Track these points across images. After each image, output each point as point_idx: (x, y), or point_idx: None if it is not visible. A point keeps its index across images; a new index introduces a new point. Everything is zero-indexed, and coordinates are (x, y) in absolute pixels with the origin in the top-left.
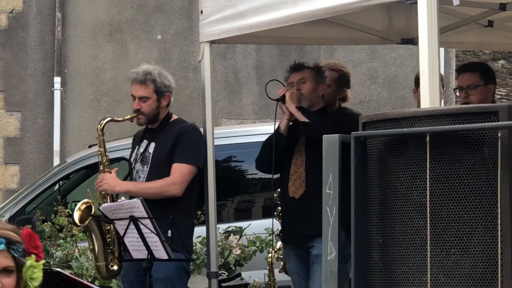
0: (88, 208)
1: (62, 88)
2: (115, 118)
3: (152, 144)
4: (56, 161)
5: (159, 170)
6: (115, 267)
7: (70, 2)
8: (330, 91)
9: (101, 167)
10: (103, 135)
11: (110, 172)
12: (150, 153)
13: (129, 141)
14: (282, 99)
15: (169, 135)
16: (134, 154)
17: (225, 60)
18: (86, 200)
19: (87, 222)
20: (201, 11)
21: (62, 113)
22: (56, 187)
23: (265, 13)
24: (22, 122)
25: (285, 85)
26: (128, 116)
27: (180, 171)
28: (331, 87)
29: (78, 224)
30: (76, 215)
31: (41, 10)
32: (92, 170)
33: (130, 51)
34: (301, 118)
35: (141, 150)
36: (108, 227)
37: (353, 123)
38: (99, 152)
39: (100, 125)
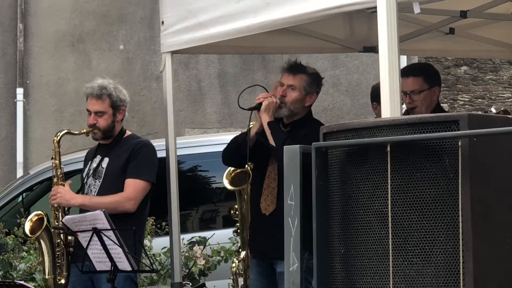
0: (40, 220)
1: (24, 99)
2: (71, 131)
3: (106, 159)
4: (19, 172)
5: (111, 184)
6: (63, 281)
7: (32, 13)
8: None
9: (55, 180)
10: (59, 148)
11: (64, 185)
12: (103, 168)
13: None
14: (257, 107)
15: (123, 150)
16: (86, 169)
17: (188, 70)
18: (38, 212)
19: (38, 233)
20: (162, 22)
21: (25, 124)
22: (20, 199)
23: (226, 23)
24: None
25: (268, 91)
26: (85, 130)
27: (134, 187)
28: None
29: (29, 235)
30: (27, 226)
31: (2, 21)
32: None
33: (93, 61)
34: (269, 137)
35: (94, 165)
36: (58, 240)
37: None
38: (53, 164)
39: (57, 137)
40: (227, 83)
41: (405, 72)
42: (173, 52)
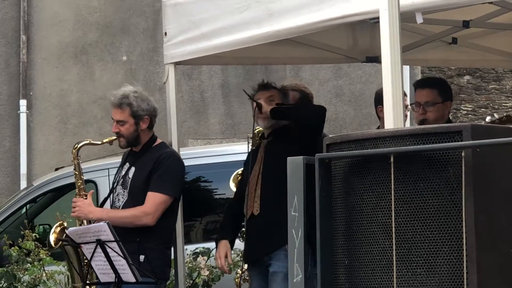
0: (63, 230)
1: (28, 111)
2: (92, 142)
3: (132, 169)
4: (23, 184)
5: (136, 196)
6: None
7: (35, 25)
8: None
9: (77, 191)
10: (79, 158)
11: (86, 196)
12: (129, 178)
13: (97, 162)
14: (258, 105)
15: (148, 161)
16: (116, 176)
17: (191, 80)
18: (60, 222)
19: (59, 244)
20: (165, 33)
21: (28, 136)
22: (23, 210)
23: (229, 34)
24: None
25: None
26: (107, 139)
27: (154, 201)
28: None
29: (54, 246)
30: (52, 238)
31: (5, 33)
32: (59, 193)
33: (96, 72)
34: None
35: (123, 173)
36: None
37: None
38: (74, 175)
39: (75, 148)
40: (230, 93)
41: (421, 84)
42: (176, 63)
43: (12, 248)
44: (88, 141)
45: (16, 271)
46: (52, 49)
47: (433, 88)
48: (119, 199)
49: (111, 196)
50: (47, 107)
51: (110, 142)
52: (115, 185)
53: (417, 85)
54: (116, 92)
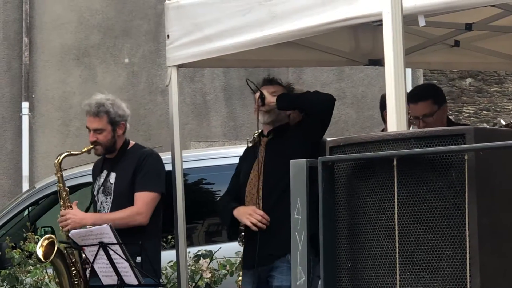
0: (51, 243)
1: (30, 113)
2: (72, 152)
3: (113, 174)
4: (25, 186)
5: (122, 200)
6: None
7: (37, 27)
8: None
9: (62, 202)
10: (61, 170)
11: (71, 207)
12: (111, 183)
13: (88, 167)
14: (262, 97)
15: (129, 164)
16: (96, 185)
17: (193, 83)
18: (48, 235)
19: (51, 257)
20: (168, 36)
21: (30, 138)
22: (25, 212)
23: (232, 36)
24: None
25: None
26: (85, 149)
27: (143, 200)
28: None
29: (43, 260)
30: (40, 252)
31: (7, 35)
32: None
33: (98, 75)
34: (288, 101)
35: (102, 180)
36: (73, 260)
37: None
38: (58, 187)
39: (58, 161)
40: (232, 96)
41: (412, 98)
42: (179, 66)
43: (15, 250)
44: (68, 153)
45: (19, 274)
46: (54, 52)
47: (427, 100)
48: (103, 207)
49: (94, 205)
50: (49, 109)
51: (89, 151)
52: (95, 194)
53: (410, 100)
54: (89, 102)
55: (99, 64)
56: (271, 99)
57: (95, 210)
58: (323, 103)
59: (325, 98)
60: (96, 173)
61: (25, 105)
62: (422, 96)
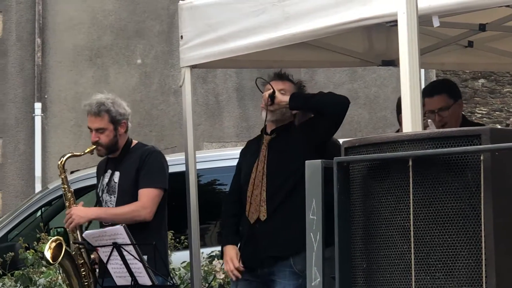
0: (58, 245)
1: (43, 114)
2: (74, 153)
3: (117, 173)
4: (38, 187)
5: (126, 197)
6: None
7: (50, 28)
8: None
9: (67, 204)
10: (65, 172)
11: (76, 206)
12: (116, 182)
13: (93, 170)
14: (272, 96)
15: (132, 162)
16: (100, 185)
17: (206, 84)
18: (55, 237)
19: (59, 259)
20: (181, 36)
21: (43, 139)
22: (38, 213)
23: (245, 37)
24: (3, 149)
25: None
26: (88, 149)
27: (148, 196)
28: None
29: (52, 262)
30: (48, 254)
31: (20, 36)
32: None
33: (111, 75)
34: (302, 102)
35: (106, 180)
36: (81, 261)
37: None
38: (63, 189)
39: (61, 162)
40: (245, 97)
41: (428, 92)
42: (192, 67)
43: (28, 251)
44: (71, 154)
45: (32, 274)
46: (67, 52)
47: (442, 94)
48: (108, 207)
49: (99, 205)
50: (62, 110)
51: (91, 152)
52: (100, 194)
53: (425, 94)
54: (89, 102)
55: (111, 65)
56: (282, 98)
57: None
58: (338, 105)
59: (340, 100)
60: (100, 173)
61: (37, 106)
62: (438, 89)
